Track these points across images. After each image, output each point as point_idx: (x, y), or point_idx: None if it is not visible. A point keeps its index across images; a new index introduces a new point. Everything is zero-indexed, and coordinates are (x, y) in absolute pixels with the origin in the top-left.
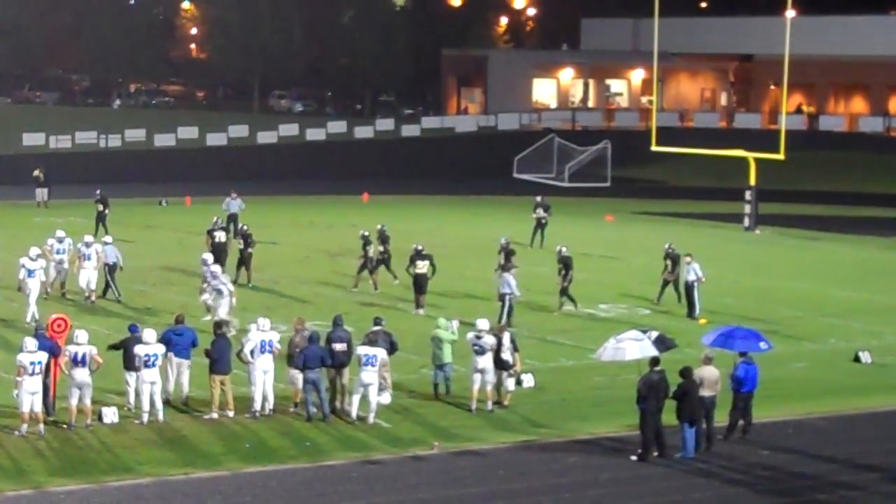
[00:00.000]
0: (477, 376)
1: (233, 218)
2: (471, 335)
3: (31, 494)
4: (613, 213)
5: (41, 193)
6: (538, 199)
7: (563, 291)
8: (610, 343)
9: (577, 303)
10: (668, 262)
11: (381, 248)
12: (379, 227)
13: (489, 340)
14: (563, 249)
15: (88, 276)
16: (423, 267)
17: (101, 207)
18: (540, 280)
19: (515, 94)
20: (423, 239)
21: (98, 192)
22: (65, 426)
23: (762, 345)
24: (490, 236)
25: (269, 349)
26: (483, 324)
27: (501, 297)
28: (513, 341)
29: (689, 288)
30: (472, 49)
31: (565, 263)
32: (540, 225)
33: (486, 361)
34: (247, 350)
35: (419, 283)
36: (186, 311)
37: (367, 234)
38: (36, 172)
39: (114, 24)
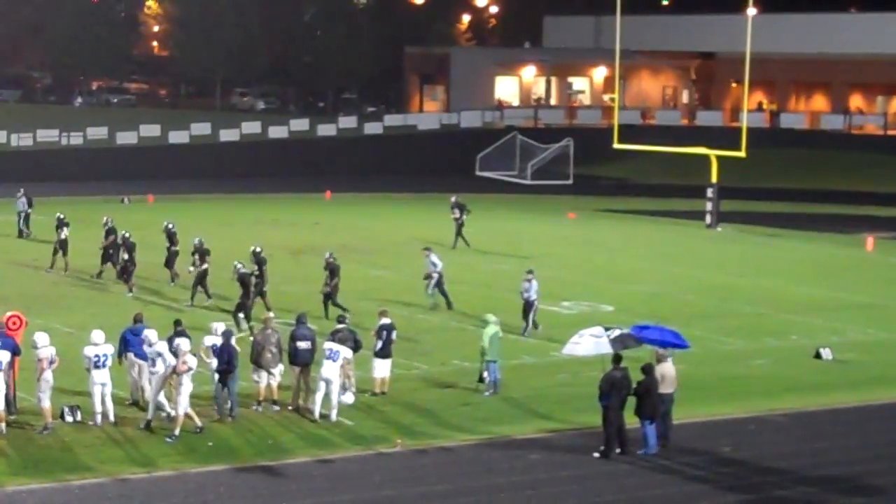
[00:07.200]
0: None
1: (26, 216)
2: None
3: None
4: (576, 210)
5: None
6: (452, 199)
7: (328, 297)
8: (573, 337)
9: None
10: (327, 273)
11: (125, 257)
12: (124, 233)
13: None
14: (331, 256)
15: None
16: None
17: (25, 207)
18: (505, 277)
19: (478, 92)
20: (384, 237)
21: (21, 190)
22: (34, 427)
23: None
24: (451, 235)
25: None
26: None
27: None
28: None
29: (529, 306)
30: (435, 47)
31: (332, 270)
32: (458, 225)
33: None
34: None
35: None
36: (145, 310)
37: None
38: None
39: (75, 22)
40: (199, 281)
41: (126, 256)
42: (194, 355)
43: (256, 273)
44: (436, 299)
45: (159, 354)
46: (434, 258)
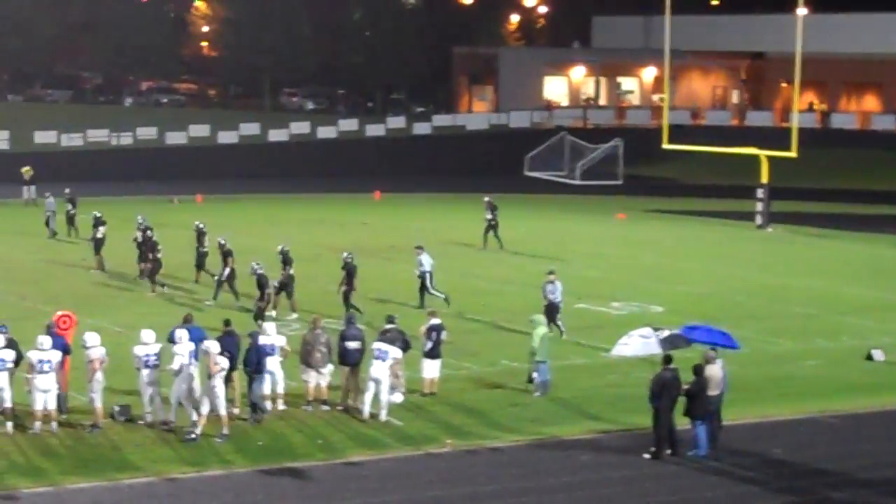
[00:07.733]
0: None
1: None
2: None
3: (46, 492)
4: (625, 210)
5: (28, 191)
6: (486, 199)
7: (345, 298)
8: (622, 339)
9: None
10: (344, 274)
11: (150, 256)
12: (148, 232)
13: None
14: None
15: None
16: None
17: (69, 207)
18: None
19: (526, 92)
20: (432, 238)
21: (67, 190)
22: (88, 426)
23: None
24: (502, 235)
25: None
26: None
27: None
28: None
29: (554, 309)
30: (483, 47)
31: (349, 270)
32: (490, 226)
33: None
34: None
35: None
36: (199, 309)
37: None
38: (26, 168)
39: (125, 22)
40: (223, 280)
41: (151, 256)
42: (225, 356)
43: (282, 271)
44: (446, 295)
45: (174, 353)
46: (422, 258)
